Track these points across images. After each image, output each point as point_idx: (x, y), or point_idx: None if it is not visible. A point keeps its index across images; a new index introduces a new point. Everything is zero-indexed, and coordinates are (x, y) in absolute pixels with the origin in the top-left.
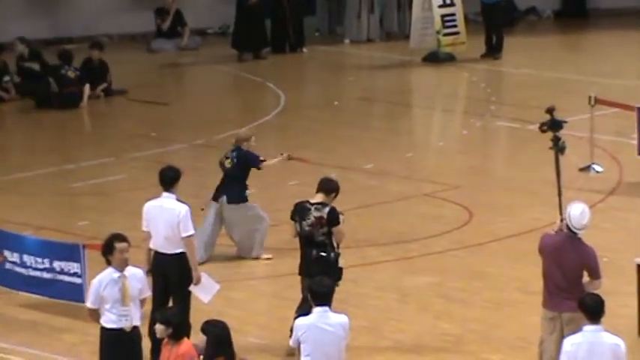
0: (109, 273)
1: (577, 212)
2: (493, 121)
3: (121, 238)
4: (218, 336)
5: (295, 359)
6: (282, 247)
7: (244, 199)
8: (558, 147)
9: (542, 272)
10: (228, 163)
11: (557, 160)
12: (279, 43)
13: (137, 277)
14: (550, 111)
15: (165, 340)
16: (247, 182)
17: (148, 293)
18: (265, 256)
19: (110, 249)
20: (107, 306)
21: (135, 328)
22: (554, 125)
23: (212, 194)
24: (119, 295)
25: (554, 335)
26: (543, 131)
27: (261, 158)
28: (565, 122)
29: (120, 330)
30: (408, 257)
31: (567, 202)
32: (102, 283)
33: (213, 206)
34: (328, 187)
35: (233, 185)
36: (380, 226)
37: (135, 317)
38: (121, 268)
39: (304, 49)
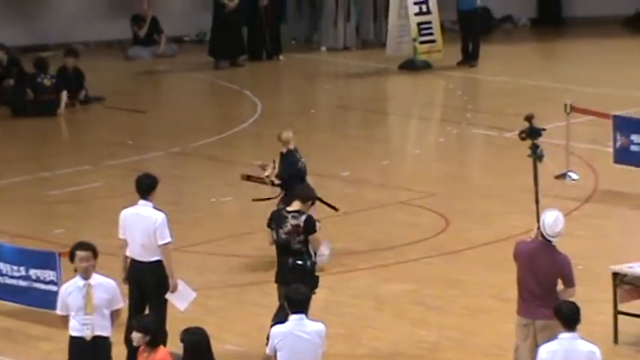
0: (75, 281)
1: (550, 220)
2: (469, 129)
3: (84, 246)
4: (196, 342)
5: None
6: (258, 255)
7: None
8: (536, 155)
9: (516, 279)
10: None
11: (536, 167)
12: (256, 50)
13: (105, 288)
14: (529, 119)
15: (142, 348)
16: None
17: (120, 305)
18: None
19: (72, 257)
20: (72, 313)
21: (102, 338)
22: (532, 133)
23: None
24: (82, 303)
25: (527, 342)
26: (522, 139)
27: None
28: (544, 130)
29: (82, 338)
30: (384, 265)
31: (544, 210)
32: (67, 290)
33: None
34: (305, 195)
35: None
36: (356, 234)
37: (101, 327)
38: (84, 276)
39: (281, 57)
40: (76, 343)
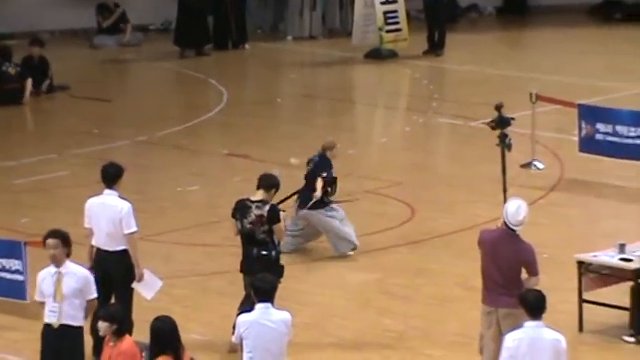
0: (49, 268)
1: (513, 208)
2: (435, 118)
3: (54, 234)
4: (162, 331)
5: (238, 356)
6: (223, 244)
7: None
8: (505, 144)
9: (481, 268)
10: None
11: (504, 156)
12: (222, 39)
13: (76, 277)
14: (498, 108)
15: (107, 337)
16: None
17: (93, 295)
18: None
19: (44, 245)
20: (45, 300)
21: (71, 327)
22: (501, 122)
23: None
24: (52, 290)
25: (491, 330)
26: (492, 128)
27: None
28: (513, 119)
29: (50, 325)
30: (350, 254)
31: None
32: (41, 276)
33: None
34: (268, 183)
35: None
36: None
37: (70, 316)
38: (54, 264)
39: (247, 46)
40: (46, 330)
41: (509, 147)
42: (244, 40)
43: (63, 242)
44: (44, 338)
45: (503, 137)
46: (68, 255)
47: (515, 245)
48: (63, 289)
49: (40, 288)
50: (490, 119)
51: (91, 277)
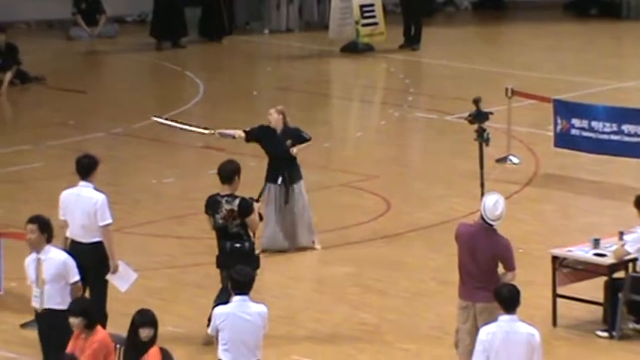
0: (32, 254)
1: (491, 203)
2: (411, 112)
3: (31, 219)
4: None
5: (213, 348)
6: (198, 236)
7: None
8: (483, 138)
9: (457, 262)
10: None
11: (482, 151)
12: (211, 30)
13: (54, 262)
14: (476, 102)
15: (76, 332)
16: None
17: (75, 278)
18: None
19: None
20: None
21: (55, 311)
22: (479, 116)
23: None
24: (34, 276)
25: (467, 324)
26: (470, 122)
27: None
28: (491, 114)
29: (36, 310)
30: (325, 247)
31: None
32: (26, 263)
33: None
34: (227, 173)
35: None
36: None
37: (53, 301)
38: (33, 250)
39: (223, 41)
40: (35, 315)
41: (487, 141)
42: (230, 33)
43: (40, 228)
44: (36, 322)
45: (481, 132)
46: (48, 240)
47: (493, 240)
48: (43, 275)
49: (27, 273)
50: (468, 113)
51: (71, 261)
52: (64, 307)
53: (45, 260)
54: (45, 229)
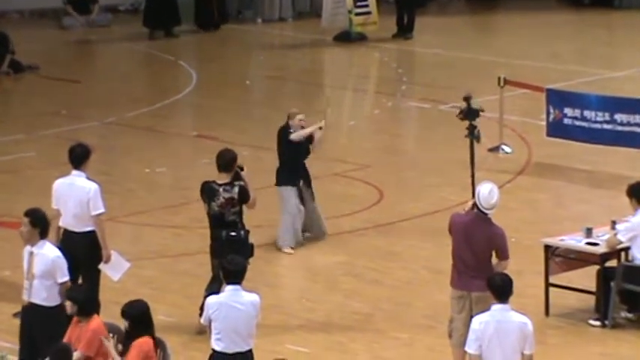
0: (27, 246)
1: (486, 192)
2: (404, 101)
3: (26, 213)
4: (139, 315)
5: (205, 337)
6: (191, 226)
7: (278, 183)
8: (474, 135)
9: (451, 252)
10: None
11: (472, 147)
12: (205, 19)
13: (44, 258)
14: (467, 99)
15: (75, 318)
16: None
17: (64, 279)
18: (287, 250)
19: None
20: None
21: (40, 307)
22: (470, 113)
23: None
24: (26, 268)
25: (462, 314)
26: (461, 119)
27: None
28: (482, 111)
29: (23, 302)
30: (319, 236)
31: (479, 183)
32: (23, 252)
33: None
34: (226, 162)
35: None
36: None
37: (39, 296)
38: (26, 243)
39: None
40: (22, 306)
41: (477, 138)
42: (225, 21)
43: (32, 222)
44: (22, 314)
45: (472, 128)
46: (43, 235)
47: (488, 229)
48: (34, 269)
49: (23, 264)
50: (459, 110)
51: (62, 260)
52: (48, 304)
53: (37, 255)
54: (37, 223)
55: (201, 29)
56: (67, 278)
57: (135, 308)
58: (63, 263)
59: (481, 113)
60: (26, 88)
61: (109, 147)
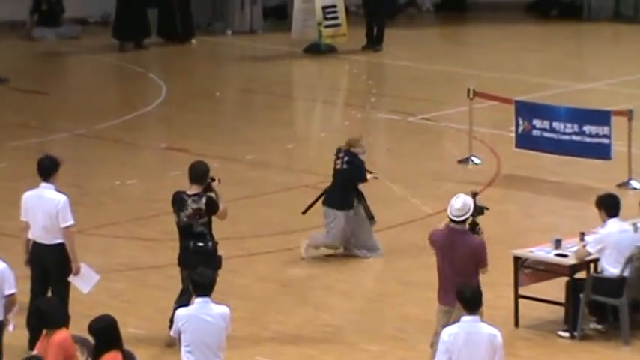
0: None
1: (453, 201)
2: (374, 113)
3: None
4: (104, 328)
5: (175, 349)
6: (161, 238)
7: (343, 207)
8: (475, 232)
9: (436, 268)
10: (338, 165)
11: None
12: (168, 32)
13: None
14: (473, 196)
15: (45, 331)
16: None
17: (11, 290)
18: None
19: None
20: None
21: None
22: (476, 211)
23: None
24: None
25: None
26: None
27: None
28: (487, 209)
29: None
30: (289, 248)
31: (449, 197)
32: None
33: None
34: (199, 174)
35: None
36: (261, 218)
37: None
38: None
39: (193, 41)
40: None
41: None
42: (191, 35)
43: None
44: None
45: (473, 225)
46: None
47: (468, 242)
48: None
49: None
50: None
51: (8, 272)
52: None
53: None
54: None
55: (168, 41)
56: (14, 290)
57: (101, 323)
58: (10, 274)
59: (486, 211)
60: None
61: (79, 159)
